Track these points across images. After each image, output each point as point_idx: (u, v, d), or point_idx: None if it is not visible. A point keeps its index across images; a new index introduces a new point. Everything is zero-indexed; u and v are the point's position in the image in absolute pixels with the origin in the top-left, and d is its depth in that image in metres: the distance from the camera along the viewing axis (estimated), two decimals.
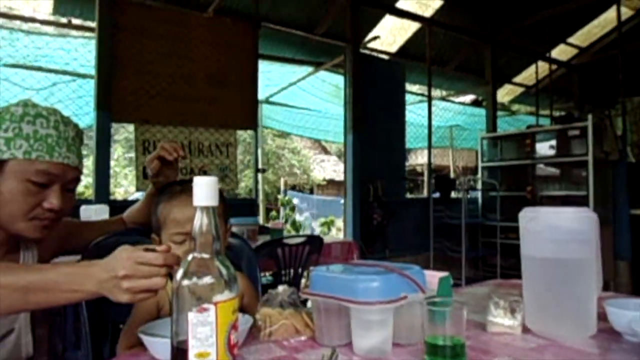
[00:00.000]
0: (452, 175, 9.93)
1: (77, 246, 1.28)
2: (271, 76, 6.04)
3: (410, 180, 9.97)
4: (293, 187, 16.34)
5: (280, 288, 1.07)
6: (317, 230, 8.16)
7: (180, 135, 4.04)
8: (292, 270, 2.77)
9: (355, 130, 4.96)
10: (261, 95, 6.54)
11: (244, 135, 12.85)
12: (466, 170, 10.05)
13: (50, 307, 0.85)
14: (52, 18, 4.67)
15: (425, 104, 6.14)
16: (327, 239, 3.50)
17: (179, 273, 0.62)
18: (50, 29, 4.90)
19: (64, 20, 4.46)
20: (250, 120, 4.46)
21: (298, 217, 8.75)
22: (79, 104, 4.76)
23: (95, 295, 0.79)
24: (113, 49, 3.71)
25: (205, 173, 4.13)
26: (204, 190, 0.63)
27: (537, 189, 5.57)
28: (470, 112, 8.04)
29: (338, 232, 8.47)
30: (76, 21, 4.70)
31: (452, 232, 5.48)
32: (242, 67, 4.38)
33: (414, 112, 6.87)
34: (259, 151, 7.67)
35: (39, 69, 4.80)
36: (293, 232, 7.24)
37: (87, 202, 3.42)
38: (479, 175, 6.17)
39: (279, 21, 4.99)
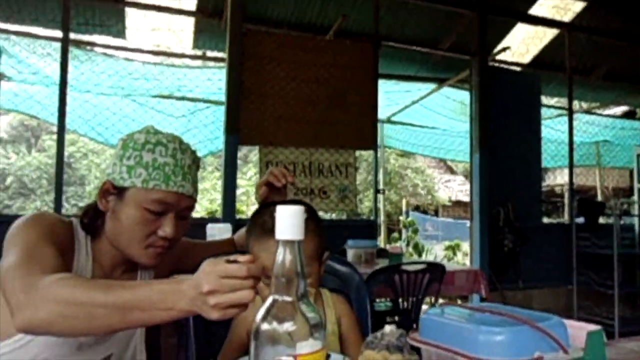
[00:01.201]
0: (599, 197, 8.77)
1: (191, 266, 1.30)
2: (392, 95, 5.95)
3: (547, 203, 9.03)
4: (417, 208, 15.90)
5: (388, 328, 0.94)
6: (441, 254, 7.75)
7: (301, 156, 4.12)
8: (413, 299, 2.60)
9: (482, 148, 4.61)
10: (382, 114, 6.48)
11: (366, 154, 12.92)
12: (617, 192, 8.80)
13: (144, 325, 0.83)
14: (191, 52, 5.16)
15: (565, 118, 5.52)
16: (451, 266, 3.25)
17: (258, 315, 0.54)
18: (189, 62, 5.41)
19: (199, 53, 4.89)
20: (369, 140, 4.40)
21: (421, 240, 8.44)
22: (211, 129, 5.15)
23: (190, 313, 0.75)
24: (241, 76, 3.94)
25: (325, 193, 4.15)
26: (288, 222, 0.55)
27: None
28: (621, 126, 7.06)
29: (464, 257, 7.95)
30: (211, 53, 5.14)
31: (600, 264, 4.76)
32: (362, 88, 4.36)
33: (552, 128, 6.22)
34: (380, 171, 7.60)
35: (182, 98, 5.33)
36: (415, 256, 6.96)
37: (215, 220, 3.63)
38: (635, 197, 5.32)
39: (400, 39, 4.90)
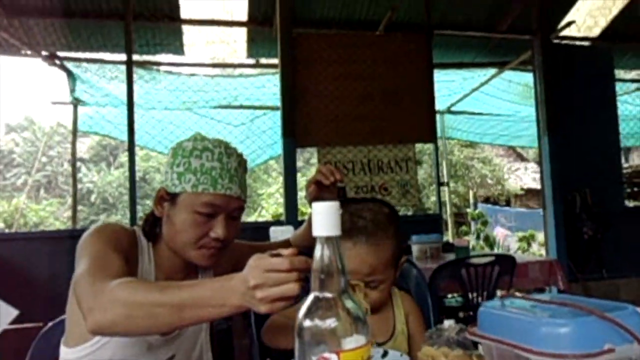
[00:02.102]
0: None
1: None
2: (451, 85, 5.77)
3: (631, 184, 8.34)
4: (487, 200, 15.29)
5: (447, 323, 0.91)
6: (515, 246, 7.39)
7: (359, 154, 4.11)
8: (485, 293, 2.50)
9: (551, 131, 4.35)
10: (441, 105, 6.31)
11: (430, 148, 12.60)
12: None
13: (201, 322, 0.85)
14: (246, 61, 5.31)
15: None
16: (524, 257, 3.10)
17: (300, 312, 0.54)
18: (245, 71, 5.55)
19: (254, 61, 5.01)
20: (428, 132, 4.29)
21: (493, 232, 8.10)
22: (269, 134, 5.26)
23: (241, 308, 0.77)
24: (294, 80, 3.99)
25: (385, 190, 4.10)
26: (325, 218, 0.54)
27: None
28: None
29: (541, 248, 7.55)
30: (265, 61, 5.25)
31: None
32: (418, 80, 4.26)
33: (630, 103, 5.75)
34: (443, 163, 7.39)
35: (240, 106, 5.49)
36: (486, 249, 6.70)
37: (279, 223, 3.70)
38: None
39: (454, 25, 4.74)
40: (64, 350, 1.03)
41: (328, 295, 0.53)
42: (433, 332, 0.91)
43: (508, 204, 16.18)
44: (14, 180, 20.20)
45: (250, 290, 0.73)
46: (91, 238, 0.99)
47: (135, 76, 4.28)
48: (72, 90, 4.98)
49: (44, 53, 4.49)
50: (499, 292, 2.59)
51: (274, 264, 0.72)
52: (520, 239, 7.43)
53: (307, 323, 0.53)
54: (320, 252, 0.55)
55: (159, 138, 5.23)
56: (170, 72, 4.89)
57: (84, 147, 19.82)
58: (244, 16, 4.53)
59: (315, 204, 0.55)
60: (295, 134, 3.94)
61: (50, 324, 1.20)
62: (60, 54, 4.61)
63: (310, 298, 0.54)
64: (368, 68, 4.16)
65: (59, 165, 19.63)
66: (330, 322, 0.52)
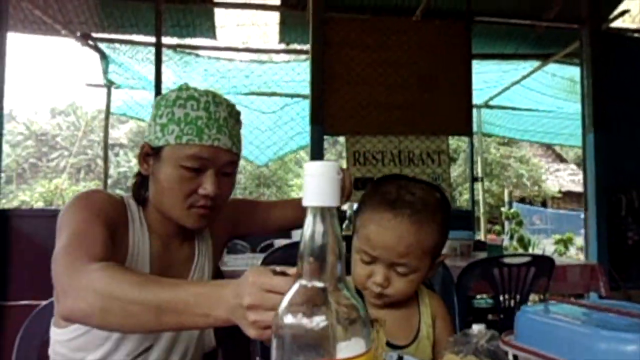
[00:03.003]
0: None
1: (251, 228, 1.23)
2: (489, 77, 5.50)
3: None
4: (522, 200, 14.81)
5: (476, 328, 0.77)
6: (551, 249, 7.06)
7: (389, 144, 3.94)
8: (518, 296, 2.32)
9: (597, 129, 4.06)
10: (479, 99, 6.04)
11: (464, 145, 12.25)
12: None
13: (183, 329, 0.75)
14: (279, 47, 5.19)
15: None
16: (563, 260, 2.89)
17: (281, 305, 0.41)
18: (276, 57, 5.46)
19: (286, 47, 4.89)
20: (463, 125, 4.08)
21: (527, 233, 7.77)
22: (300, 123, 5.15)
23: (228, 322, 0.65)
24: (325, 65, 3.85)
25: None
26: (320, 182, 0.41)
27: None
28: None
29: (579, 252, 7.19)
30: (298, 47, 5.12)
31: None
32: (455, 69, 4.06)
33: None
34: (478, 160, 7.12)
35: (272, 94, 5.40)
36: (520, 250, 6.42)
37: None
38: None
39: (496, 13, 4.48)
40: (54, 331, 0.95)
41: (318, 284, 0.41)
42: (459, 337, 0.77)
43: (544, 205, 15.63)
44: (56, 162, 20.95)
45: (243, 308, 0.60)
46: (73, 208, 0.90)
47: (165, 58, 4.24)
48: (105, 72, 5.00)
49: (77, 33, 4.51)
50: (533, 296, 2.41)
51: (276, 285, 0.59)
52: (557, 242, 7.09)
53: (289, 319, 0.40)
54: (311, 227, 0.42)
55: None
56: (200, 56, 4.84)
57: (121, 132, 20.32)
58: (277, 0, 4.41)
59: (307, 164, 0.42)
60: (323, 122, 3.81)
61: (43, 303, 1.13)
62: (94, 34, 4.61)
63: (295, 287, 0.41)
64: (403, 55, 3.98)
65: (101, 149, 20.27)
66: (319, 321, 0.39)
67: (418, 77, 3.99)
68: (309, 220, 0.42)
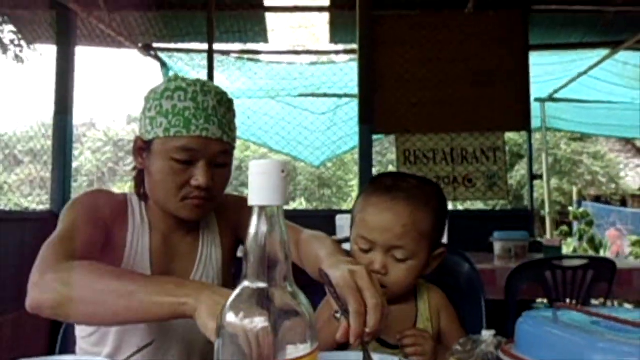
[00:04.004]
0: None
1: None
2: (553, 69, 5.19)
3: None
4: (597, 199, 13.82)
5: (486, 334, 0.72)
6: (627, 252, 6.53)
7: (441, 142, 3.83)
8: (574, 301, 2.17)
9: None
10: (542, 92, 5.72)
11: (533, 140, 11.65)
12: None
13: (151, 317, 0.74)
14: (330, 48, 5.21)
15: None
16: (630, 263, 2.68)
17: (226, 304, 0.41)
18: (327, 58, 5.47)
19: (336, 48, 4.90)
20: (521, 120, 3.88)
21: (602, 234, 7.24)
22: (351, 124, 5.14)
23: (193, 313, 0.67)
24: (374, 64, 3.81)
25: (470, 182, 3.78)
26: (263, 181, 0.41)
27: None
28: None
29: None
30: (348, 47, 5.11)
31: None
32: (510, 62, 3.87)
33: None
34: (543, 156, 6.75)
35: (324, 95, 5.42)
36: (591, 252, 6.00)
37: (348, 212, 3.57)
38: None
39: (556, 1, 4.22)
40: (77, 328, 1.01)
41: (261, 285, 0.40)
42: (465, 341, 0.73)
43: (624, 204, 14.49)
44: (132, 166, 22.34)
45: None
46: (69, 208, 0.95)
47: (218, 64, 4.38)
48: None
49: (139, 44, 4.77)
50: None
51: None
52: (634, 243, 6.55)
53: (231, 319, 0.40)
54: (255, 227, 0.41)
55: (252, 128, 5.31)
56: (254, 60, 4.96)
57: None
58: (326, 1, 4.42)
59: (252, 162, 0.41)
60: (372, 121, 3.77)
61: None
62: (154, 44, 4.86)
63: (239, 287, 0.41)
64: (454, 50, 3.85)
65: None
66: (259, 322, 0.39)
67: (471, 72, 3.84)
68: (254, 220, 0.41)
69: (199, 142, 0.93)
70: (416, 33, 3.85)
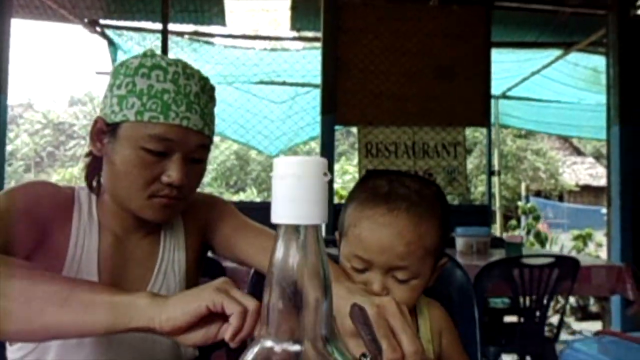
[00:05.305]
0: None
1: (221, 244, 0.95)
2: (508, 66, 5.29)
3: None
4: (537, 194, 14.51)
5: None
6: (568, 245, 6.85)
7: (403, 135, 3.79)
8: (536, 298, 2.17)
9: (623, 120, 3.86)
10: (497, 89, 5.83)
11: (480, 136, 12.00)
12: None
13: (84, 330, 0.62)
14: (290, 34, 5.05)
15: None
16: (584, 259, 2.73)
17: None
18: (287, 45, 5.31)
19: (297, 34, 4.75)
20: (481, 116, 3.90)
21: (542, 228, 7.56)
22: (312, 114, 5.02)
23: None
24: (337, 53, 3.71)
25: (430, 176, 3.77)
26: (295, 187, 0.28)
27: None
28: None
29: (598, 249, 6.97)
30: (310, 34, 4.97)
31: None
32: (472, 58, 3.88)
33: None
34: (495, 152, 6.91)
35: (283, 83, 5.26)
36: (537, 246, 6.23)
37: None
38: None
39: None
40: (8, 349, 0.84)
41: (291, 347, 0.27)
42: None
43: (561, 199, 15.30)
44: (73, 151, 21.16)
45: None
46: (3, 196, 0.78)
47: (173, 46, 4.12)
48: (114, 60, 4.91)
49: (85, 19, 4.42)
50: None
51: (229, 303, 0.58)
52: (575, 238, 6.87)
53: None
54: (281, 258, 0.28)
55: None
56: (209, 43, 4.72)
57: None
58: None
59: (277, 159, 0.28)
60: (335, 111, 3.67)
61: None
62: (101, 21, 4.52)
63: (254, 350, 0.28)
64: (418, 43, 3.81)
65: None
66: None
67: (434, 66, 3.82)
68: (279, 246, 0.28)
69: (177, 132, 0.78)
70: (381, 24, 3.77)
